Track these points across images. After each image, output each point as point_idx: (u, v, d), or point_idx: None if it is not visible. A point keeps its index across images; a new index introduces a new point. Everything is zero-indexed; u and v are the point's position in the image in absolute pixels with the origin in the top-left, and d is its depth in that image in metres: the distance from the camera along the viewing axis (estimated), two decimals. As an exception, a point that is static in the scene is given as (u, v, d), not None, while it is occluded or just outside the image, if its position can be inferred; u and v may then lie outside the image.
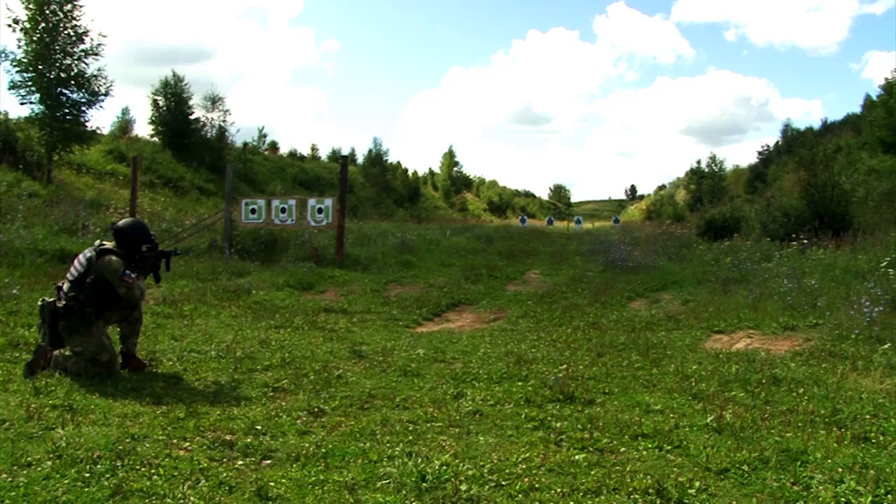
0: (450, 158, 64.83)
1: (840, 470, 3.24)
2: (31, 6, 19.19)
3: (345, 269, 12.88)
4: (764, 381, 4.98)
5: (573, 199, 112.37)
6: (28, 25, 19.23)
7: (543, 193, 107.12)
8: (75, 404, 3.91)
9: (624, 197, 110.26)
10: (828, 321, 7.36)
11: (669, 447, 3.54)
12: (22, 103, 20.27)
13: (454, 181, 64.16)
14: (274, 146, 51.55)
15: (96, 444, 3.26)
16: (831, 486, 3.05)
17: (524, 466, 3.23)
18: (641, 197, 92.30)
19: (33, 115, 20.26)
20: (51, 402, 3.94)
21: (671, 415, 4.13)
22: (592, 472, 3.15)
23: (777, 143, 47.81)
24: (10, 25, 19.16)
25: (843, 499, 2.94)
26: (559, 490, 2.96)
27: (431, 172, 65.92)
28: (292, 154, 51.53)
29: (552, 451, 3.46)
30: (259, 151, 45.65)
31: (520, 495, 2.92)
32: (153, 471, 3.02)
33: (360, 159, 52.42)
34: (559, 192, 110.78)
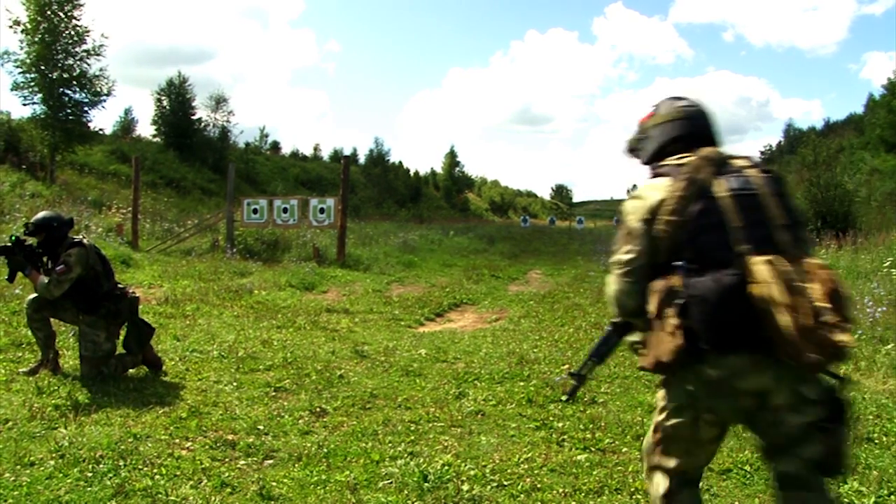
0: (451, 158, 64.84)
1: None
2: (31, 7, 19.24)
3: (347, 269, 12.88)
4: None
5: (575, 199, 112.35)
6: (29, 27, 19.28)
7: (545, 193, 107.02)
8: (78, 403, 3.92)
9: (626, 196, 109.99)
10: (830, 321, 7.34)
11: (672, 447, 3.54)
12: (25, 104, 20.36)
13: (456, 181, 64.15)
14: (276, 146, 51.64)
15: (99, 444, 3.26)
16: (834, 487, 3.04)
17: (526, 466, 3.23)
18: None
19: (36, 115, 20.32)
20: (53, 401, 3.95)
21: (673, 415, 4.13)
22: (594, 473, 3.15)
23: (779, 143, 47.86)
24: (10, 27, 19.23)
25: (845, 499, 2.94)
26: (561, 490, 2.96)
27: (433, 172, 65.91)
28: (294, 154, 51.63)
29: (554, 452, 3.45)
30: (261, 151, 45.74)
31: (522, 495, 2.92)
32: (155, 470, 3.02)
33: (361, 159, 52.44)
34: (561, 191, 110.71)
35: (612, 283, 2.01)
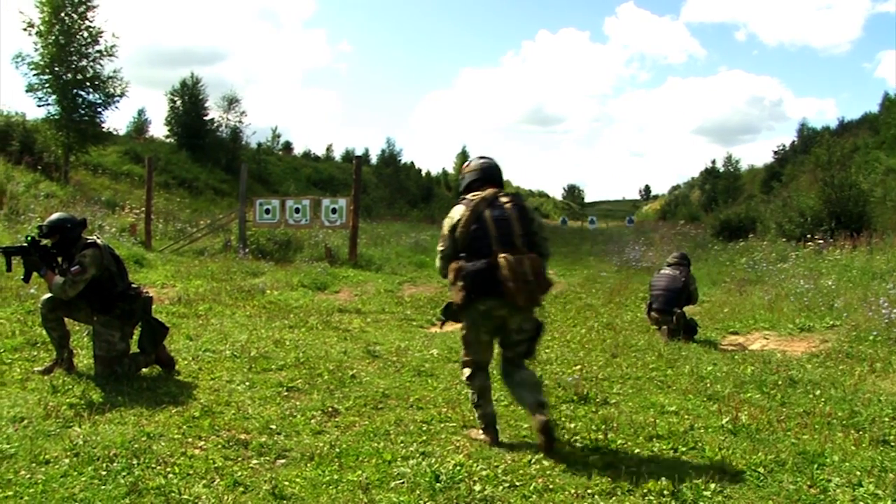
0: (463, 158, 64.67)
1: (858, 473, 3.20)
2: (45, 9, 19.41)
3: (359, 269, 12.92)
4: (780, 382, 4.93)
5: (587, 199, 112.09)
6: (43, 29, 19.45)
7: (557, 193, 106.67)
8: (92, 402, 3.95)
9: (638, 197, 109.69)
10: (845, 322, 7.28)
11: (684, 448, 3.52)
12: (39, 105, 20.52)
13: (467, 181, 63.92)
14: (288, 146, 51.75)
15: (113, 443, 3.29)
16: (849, 490, 3.02)
17: (538, 467, 3.23)
18: (655, 197, 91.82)
19: (50, 116, 20.49)
20: (68, 400, 3.99)
21: (686, 416, 4.11)
22: (607, 474, 3.14)
23: (793, 142, 47.38)
24: (25, 29, 19.40)
25: (861, 502, 2.91)
26: (573, 491, 2.95)
27: (445, 172, 65.84)
28: (306, 154, 51.69)
29: (566, 452, 3.44)
30: (273, 152, 45.85)
31: (534, 496, 2.91)
32: (169, 469, 3.04)
33: (373, 159, 52.47)
34: (573, 192, 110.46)
35: (437, 262, 3.62)
